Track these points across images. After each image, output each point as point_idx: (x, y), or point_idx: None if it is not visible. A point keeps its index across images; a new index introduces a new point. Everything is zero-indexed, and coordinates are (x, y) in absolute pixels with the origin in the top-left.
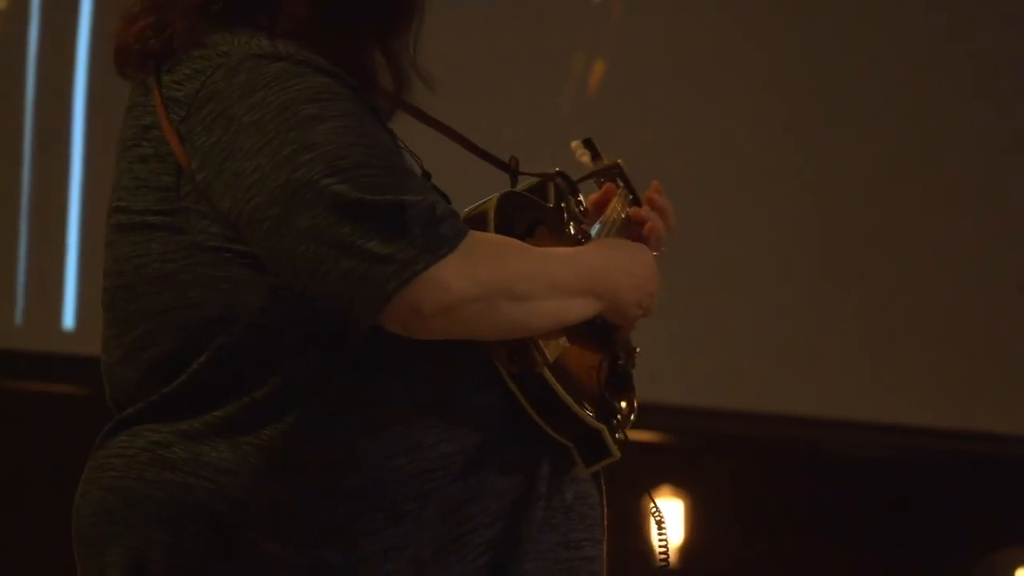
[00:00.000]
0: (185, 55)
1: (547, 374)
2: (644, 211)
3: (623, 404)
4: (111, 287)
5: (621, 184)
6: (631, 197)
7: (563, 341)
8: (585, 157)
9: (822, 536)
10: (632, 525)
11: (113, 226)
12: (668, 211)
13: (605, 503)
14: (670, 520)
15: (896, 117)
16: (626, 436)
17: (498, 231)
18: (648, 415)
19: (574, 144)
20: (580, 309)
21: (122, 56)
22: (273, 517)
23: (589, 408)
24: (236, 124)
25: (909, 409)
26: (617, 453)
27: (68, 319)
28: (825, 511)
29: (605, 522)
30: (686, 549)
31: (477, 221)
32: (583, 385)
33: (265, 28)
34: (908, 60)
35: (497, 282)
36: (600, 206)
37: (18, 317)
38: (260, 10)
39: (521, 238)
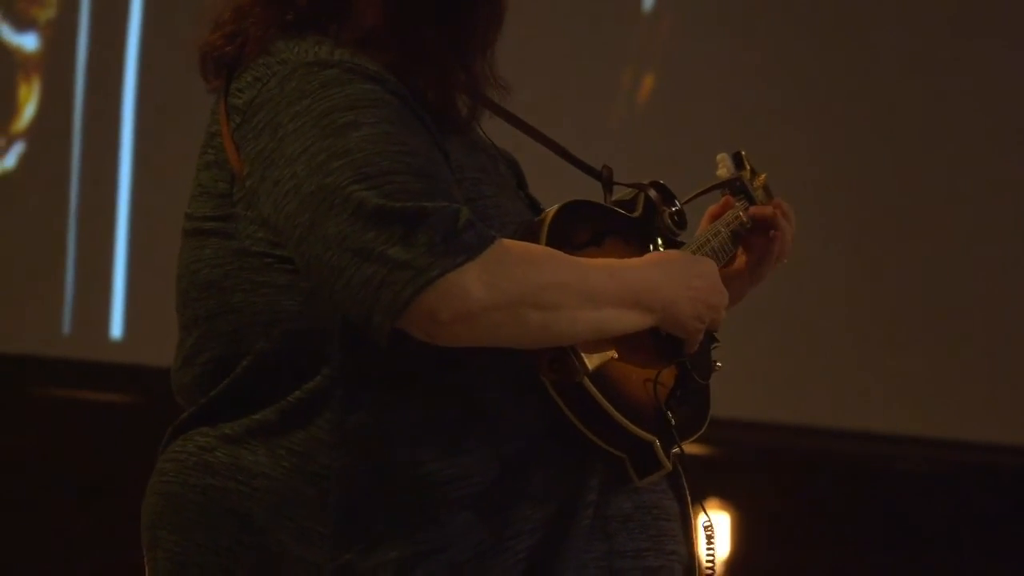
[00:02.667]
0: (252, 63)
1: (587, 383)
2: (769, 211)
3: (688, 417)
4: (177, 292)
5: (741, 199)
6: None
7: (610, 352)
8: (723, 170)
9: (869, 549)
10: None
11: (182, 232)
12: (789, 234)
13: (691, 513)
14: (718, 533)
15: (924, 134)
16: (682, 450)
17: (551, 239)
18: None
19: (720, 156)
20: (624, 320)
21: (203, 64)
22: (304, 521)
23: (640, 419)
24: (281, 131)
25: (958, 423)
26: (668, 465)
27: (116, 328)
28: (873, 525)
29: (690, 534)
30: (733, 562)
31: (532, 229)
32: (636, 397)
33: (333, 36)
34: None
35: (521, 290)
36: (716, 219)
37: (66, 326)
38: (331, 18)
39: (584, 247)
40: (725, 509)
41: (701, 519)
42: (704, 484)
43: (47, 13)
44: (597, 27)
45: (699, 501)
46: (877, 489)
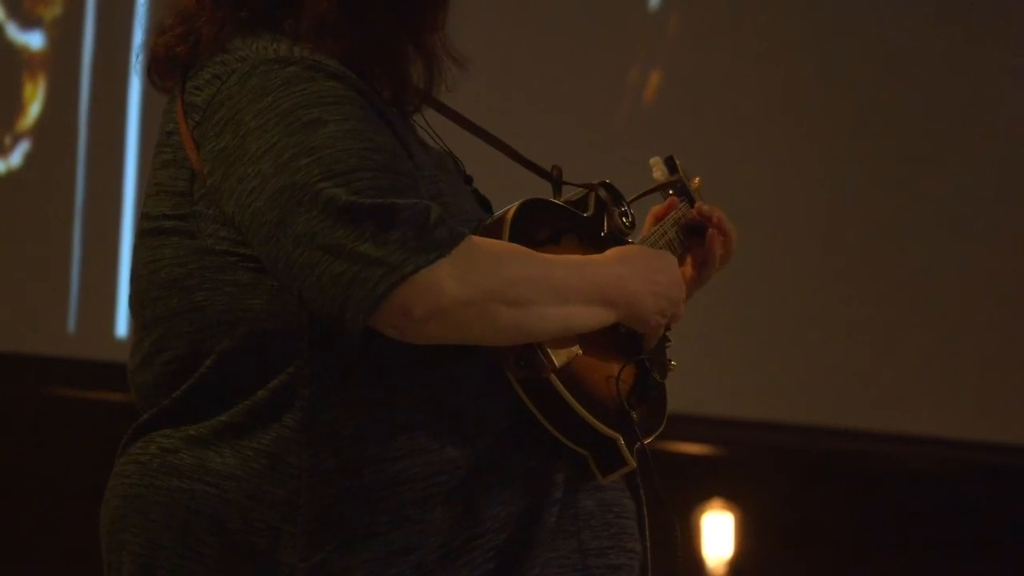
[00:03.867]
0: (208, 61)
1: (555, 380)
2: (707, 208)
3: (648, 415)
4: (132, 292)
5: (684, 201)
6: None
7: (575, 348)
8: (658, 173)
9: (872, 549)
10: (682, 535)
11: (137, 231)
12: (731, 235)
13: (646, 512)
14: (721, 534)
15: (933, 132)
16: (645, 446)
17: (513, 236)
18: (699, 428)
19: (653, 160)
20: (590, 316)
21: (152, 66)
22: (275, 522)
23: (604, 416)
24: (244, 129)
25: (964, 423)
26: (633, 462)
27: (121, 327)
28: (875, 524)
29: (645, 531)
30: (736, 563)
31: (494, 226)
32: (599, 393)
33: (289, 32)
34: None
35: (492, 286)
36: (661, 219)
37: (71, 325)
38: (284, 13)
39: (543, 245)
40: (728, 509)
41: (673, 521)
42: (707, 484)
43: (53, 11)
44: (604, 25)
45: (655, 498)
46: (880, 489)
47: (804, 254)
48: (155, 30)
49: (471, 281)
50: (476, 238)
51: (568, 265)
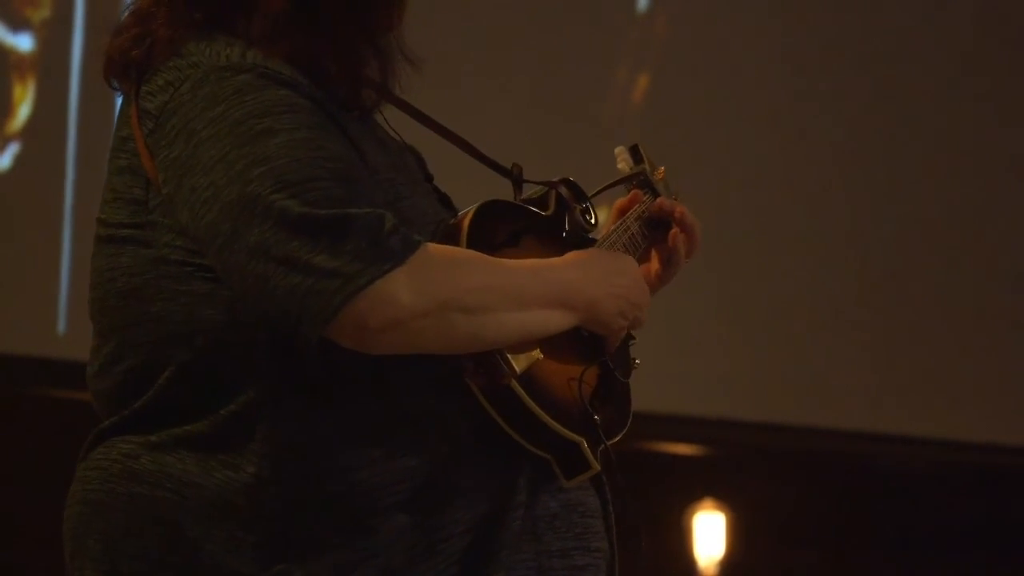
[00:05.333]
0: (163, 65)
1: (515, 386)
2: (678, 204)
3: (612, 416)
4: (90, 300)
5: (647, 193)
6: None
7: (536, 353)
8: (623, 164)
9: (865, 549)
10: (675, 535)
11: (95, 238)
12: (696, 230)
13: (611, 510)
14: (713, 534)
15: (922, 131)
16: (609, 448)
17: (471, 241)
18: (690, 428)
19: (618, 149)
20: (549, 321)
21: (108, 68)
22: (236, 531)
23: (567, 420)
24: (196, 138)
25: (955, 424)
26: (596, 466)
27: None
28: (868, 524)
29: (611, 532)
30: (728, 562)
31: (451, 231)
32: (562, 397)
33: (243, 35)
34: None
35: (448, 295)
36: (624, 213)
37: (61, 326)
38: (239, 13)
39: (502, 248)
40: (720, 509)
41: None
42: (700, 484)
43: (42, 14)
44: (592, 27)
45: (620, 496)
46: (872, 489)
47: (794, 255)
48: (111, 31)
49: (427, 291)
50: (432, 246)
51: (526, 270)
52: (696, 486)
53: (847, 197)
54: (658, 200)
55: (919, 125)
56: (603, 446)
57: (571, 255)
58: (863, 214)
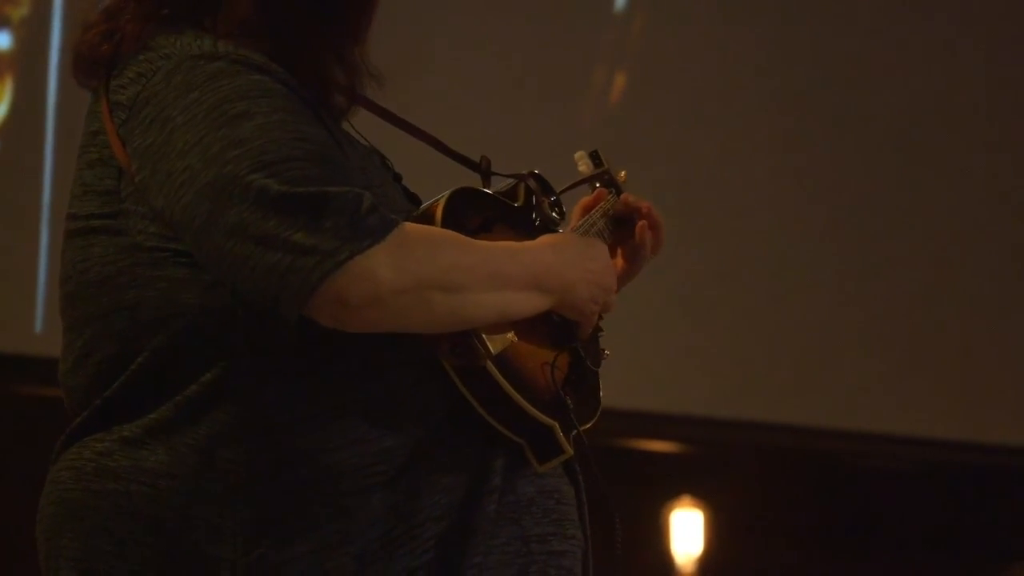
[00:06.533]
0: (132, 59)
1: (491, 367)
2: (633, 199)
3: (582, 403)
4: (62, 294)
5: (611, 192)
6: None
7: (510, 335)
8: (583, 167)
9: (844, 548)
10: (651, 533)
11: (64, 233)
12: (660, 225)
13: (584, 499)
14: (691, 531)
15: (909, 126)
16: (581, 434)
17: (445, 225)
18: (669, 426)
19: (578, 155)
20: (525, 303)
21: (76, 64)
22: (213, 518)
23: (540, 404)
24: (171, 125)
25: (930, 421)
26: (570, 450)
27: None
28: (847, 523)
29: (584, 521)
30: (706, 560)
31: (425, 216)
32: (534, 381)
33: (210, 29)
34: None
35: (428, 273)
36: (589, 210)
37: (38, 324)
38: (205, 12)
39: (474, 233)
40: (698, 507)
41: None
42: (678, 482)
43: (20, 12)
44: (569, 27)
45: (597, 488)
46: (851, 487)
47: (773, 253)
48: (82, 27)
49: (406, 268)
50: (410, 225)
51: (503, 251)
52: (674, 483)
53: (827, 194)
54: (623, 195)
55: (902, 121)
56: (576, 431)
57: (545, 238)
58: (843, 211)
